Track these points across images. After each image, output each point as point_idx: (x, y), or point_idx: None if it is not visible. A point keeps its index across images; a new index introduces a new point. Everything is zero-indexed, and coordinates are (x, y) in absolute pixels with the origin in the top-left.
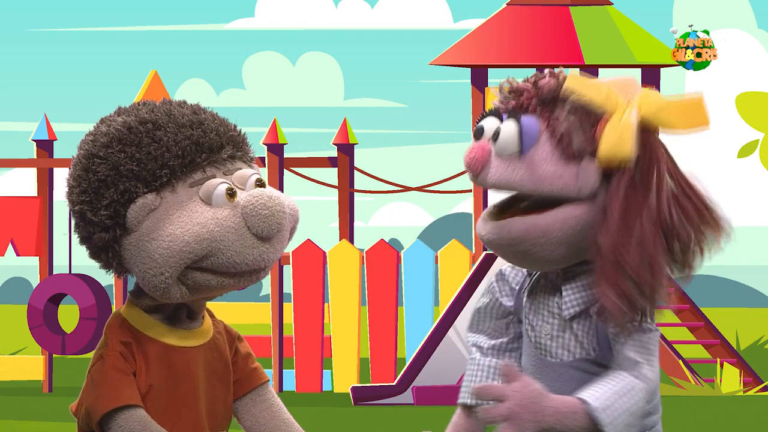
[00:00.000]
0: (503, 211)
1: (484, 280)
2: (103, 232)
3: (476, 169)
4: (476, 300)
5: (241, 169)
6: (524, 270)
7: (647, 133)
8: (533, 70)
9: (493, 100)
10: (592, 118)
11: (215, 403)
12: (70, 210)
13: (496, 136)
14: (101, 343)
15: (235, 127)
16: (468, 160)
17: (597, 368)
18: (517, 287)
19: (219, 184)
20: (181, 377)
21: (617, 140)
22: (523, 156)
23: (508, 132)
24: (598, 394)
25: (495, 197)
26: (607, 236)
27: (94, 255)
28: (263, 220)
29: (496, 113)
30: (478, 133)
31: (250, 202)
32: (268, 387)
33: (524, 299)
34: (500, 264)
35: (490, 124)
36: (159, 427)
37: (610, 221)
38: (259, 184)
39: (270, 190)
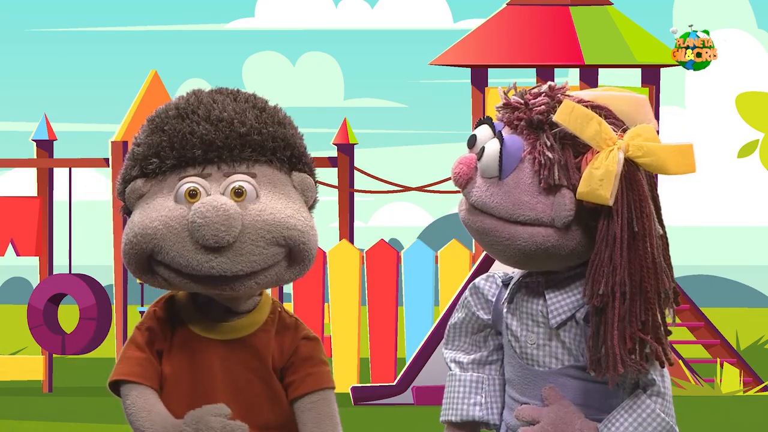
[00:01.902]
0: None
1: None
2: (123, 204)
3: (461, 183)
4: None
5: (241, 174)
6: (498, 281)
7: (632, 175)
8: (533, 71)
9: (495, 104)
10: (577, 149)
11: (248, 398)
12: None
13: (480, 154)
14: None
15: (269, 130)
16: (454, 174)
17: (586, 373)
18: (494, 299)
19: (185, 184)
20: (197, 366)
21: (597, 183)
22: (502, 181)
23: (490, 154)
24: (618, 427)
25: None
26: (602, 281)
27: None
28: (197, 228)
29: (490, 122)
30: (471, 142)
31: (196, 209)
32: (324, 395)
33: (504, 310)
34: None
35: (482, 134)
36: (151, 407)
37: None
38: (237, 191)
39: (224, 200)
